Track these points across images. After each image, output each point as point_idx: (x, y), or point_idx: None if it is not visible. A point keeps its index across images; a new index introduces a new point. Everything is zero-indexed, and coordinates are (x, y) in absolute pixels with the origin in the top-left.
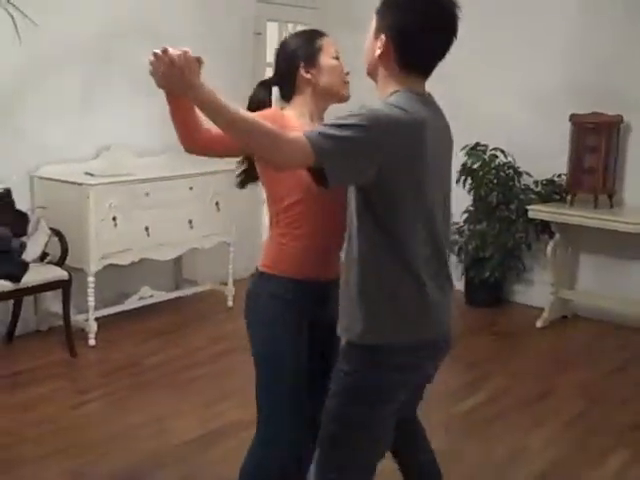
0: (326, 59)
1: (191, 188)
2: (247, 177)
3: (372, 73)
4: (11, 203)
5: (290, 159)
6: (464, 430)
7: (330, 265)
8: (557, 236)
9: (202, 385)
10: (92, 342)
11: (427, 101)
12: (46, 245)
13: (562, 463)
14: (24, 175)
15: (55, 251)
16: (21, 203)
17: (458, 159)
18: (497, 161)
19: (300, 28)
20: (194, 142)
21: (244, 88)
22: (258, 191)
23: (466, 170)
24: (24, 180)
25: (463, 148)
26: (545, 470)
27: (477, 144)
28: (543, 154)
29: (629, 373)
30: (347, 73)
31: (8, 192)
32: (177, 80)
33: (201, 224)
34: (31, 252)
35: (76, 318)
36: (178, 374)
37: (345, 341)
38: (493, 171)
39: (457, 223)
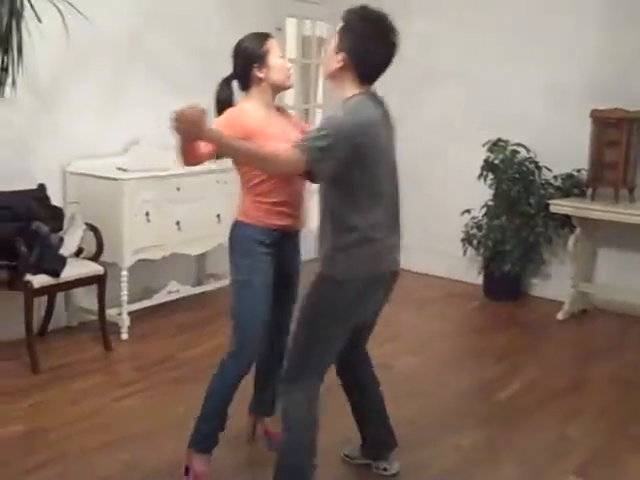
0: (274, 59)
1: (218, 182)
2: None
3: (331, 78)
4: (47, 198)
5: (288, 169)
6: (506, 419)
7: (294, 218)
8: (578, 230)
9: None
10: (125, 336)
11: (377, 101)
12: (82, 240)
13: (602, 451)
14: (57, 170)
15: (89, 246)
16: (54, 198)
17: (480, 154)
18: (518, 156)
19: (320, 25)
20: (194, 162)
21: None
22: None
23: (488, 165)
24: (56, 175)
25: (485, 144)
26: (587, 458)
27: (499, 140)
28: (562, 149)
29: None
30: (289, 68)
31: (43, 187)
32: (193, 130)
33: (229, 219)
34: (68, 247)
35: (108, 312)
36: (214, 367)
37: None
38: (515, 166)
39: (475, 217)
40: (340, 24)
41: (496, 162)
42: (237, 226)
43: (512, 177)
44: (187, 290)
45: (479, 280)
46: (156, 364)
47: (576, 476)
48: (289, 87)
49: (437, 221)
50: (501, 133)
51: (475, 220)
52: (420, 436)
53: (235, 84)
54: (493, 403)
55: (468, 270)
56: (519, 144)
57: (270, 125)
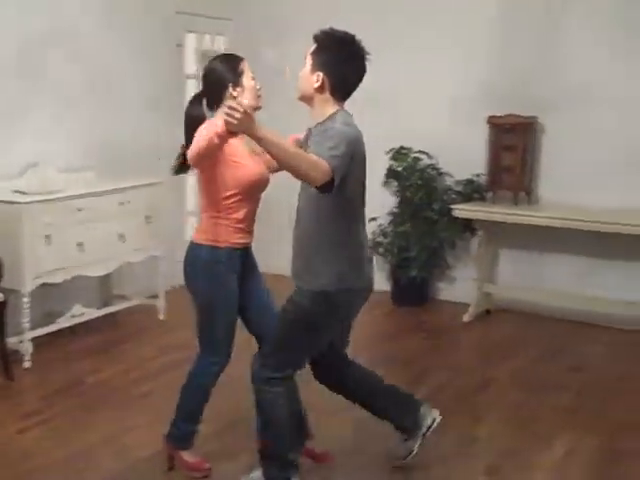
0: (247, 80)
1: (121, 203)
2: (180, 168)
3: (306, 99)
4: None
5: (320, 177)
6: None
7: (250, 234)
8: (480, 233)
9: (154, 399)
10: (27, 364)
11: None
12: None
13: (511, 451)
14: None
15: None
16: None
17: (383, 163)
18: (420, 163)
19: (218, 39)
20: (206, 163)
21: (167, 99)
22: (185, 204)
23: (392, 172)
24: None
25: (388, 152)
26: (496, 458)
27: (401, 147)
28: (462, 155)
29: (557, 360)
30: (259, 88)
31: None
32: (246, 123)
33: (132, 238)
34: None
35: (10, 340)
36: (125, 390)
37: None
38: (417, 173)
39: (382, 225)
40: (313, 46)
41: (399, 169)
42: (200, 249)
43: (415, 184)
44: (92, 313)
45: (387, 287)
46: (62, 391)
47: (486, 477)
48: (259, 108)
49: None
50: (403, 141)
51: (381, 227)
52: (352, 448)
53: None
54: None
55: (376, 277)
56: (421, 151)
57: (244, 143)
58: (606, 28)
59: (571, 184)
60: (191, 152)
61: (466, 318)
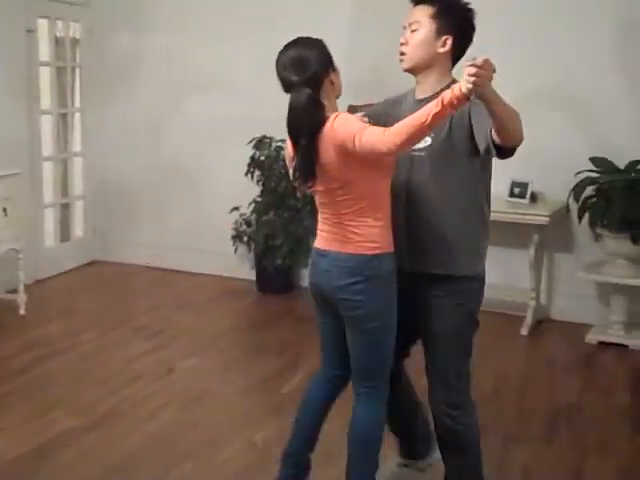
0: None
1: None
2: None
3: (421, 68)
4: None
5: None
6: (293, 411)
7: None
8: None
9: (18, 399)
10: None
11: None
12: None
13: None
14: None
15: None
16: None
17: (247, 153)
18: (283, 153)
19: (72, 25)
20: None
21: (18, 87)
22: (41, 196)
23: (255, 162)
24: None
25: (250, 142)
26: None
27: (264, 137)
28: None
29: None
30: None
31: None
32: (488, 80)
33: None
34: None
35: None
36: None
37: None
38: (281, 162)
39: (244, 214)
40: (432, 8)
41: (262, 159)
42: (375, 259)
43: (278, 173)
44: None
45: (252, 276)
46: None
47: None
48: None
49: (206, 220)
50: (266, 130)
51: (244, 217)
52: (214, 437)
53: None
54: (280, 396)
55: (240, 267)
56: (283, 140)
57: None
58: None
59: None
60: (396, 140)
61: None
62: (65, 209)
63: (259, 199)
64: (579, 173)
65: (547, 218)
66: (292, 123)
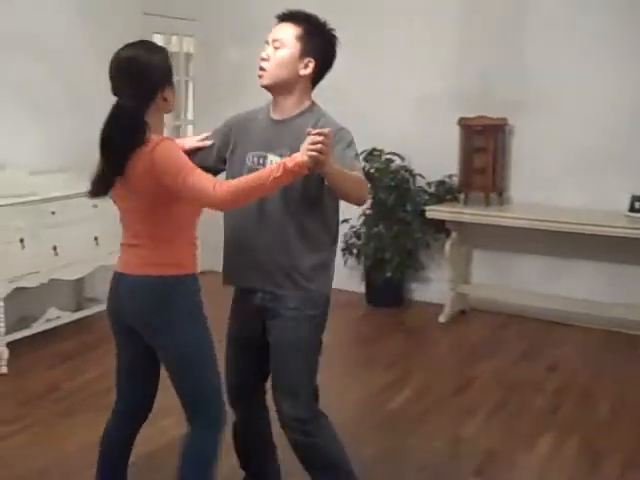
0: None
1: (95, 205)
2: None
3: (280, 87)
4: None
5: (366, 195)
6: (402, 426)
7: None
8: (453, 234)
9: None
10: (4, 370)
11: None
12: None
13: (497, 450)
14: None
15: None
16: None
17: None
18: (393, 165)
19: (186, 40)
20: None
21: None
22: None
23: (365, 174)
24: None
25: (361, 154)
26: (484, 458)
27: (373, 149)
28: (434, 157)
29: (535, 359)
30: None
31: None
32: (326, 156)
33: (106, 241)
34: None
35: None
36: (104, 396)
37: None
38: (390, 174)
39: (354, 227)
40: (298, 28)
41: (372, 171)
42: (176, 281)
43: (388, 185)
44: (68, 316)
45: (361, 289)
46: (40, 397)
47: (475, 477)
48: None
49: None
50: (375, 143)
51: (354, 229)
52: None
53: None
54: (387, 411)
55: (350, 279)
56: (393, 153)
57: None
58: (571, 30)
59: (541, 185)
60: (229, 198)
61: (442, 319)
62: None
63: (369, 212)
64: None
65: None
66: (105, 135)
